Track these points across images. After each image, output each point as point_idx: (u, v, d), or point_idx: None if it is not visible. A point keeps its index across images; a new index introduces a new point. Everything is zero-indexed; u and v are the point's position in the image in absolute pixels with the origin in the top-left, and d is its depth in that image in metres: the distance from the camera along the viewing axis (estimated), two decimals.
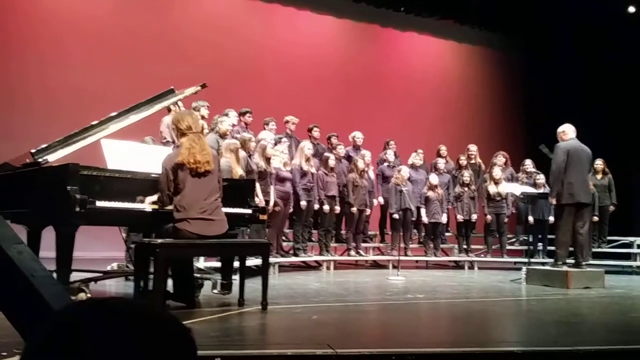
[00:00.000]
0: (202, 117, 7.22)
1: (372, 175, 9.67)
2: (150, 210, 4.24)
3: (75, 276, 4.65)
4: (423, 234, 9.88)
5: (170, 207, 4.19)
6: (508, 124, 13.90)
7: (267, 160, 7.63)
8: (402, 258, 8.59)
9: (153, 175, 4.30)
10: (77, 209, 3.75)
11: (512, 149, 11.39)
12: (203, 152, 4.20)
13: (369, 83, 12.56)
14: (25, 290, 1.45)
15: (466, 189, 9.77)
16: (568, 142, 7.11)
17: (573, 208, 7.01)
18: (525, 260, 8.51)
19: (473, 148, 10.52)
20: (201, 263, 6.61)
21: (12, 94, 9.38)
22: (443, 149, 10.45)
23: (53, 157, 4.13)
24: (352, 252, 9.24)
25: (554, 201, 7.18)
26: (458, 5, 13.25)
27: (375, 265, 9.87)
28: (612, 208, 10.01)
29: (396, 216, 9.21)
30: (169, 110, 6.83)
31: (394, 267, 8.52)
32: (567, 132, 7.21)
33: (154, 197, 4.24)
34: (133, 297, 4.16)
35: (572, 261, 7.25)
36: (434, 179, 9.67)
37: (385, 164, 9.87)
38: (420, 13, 13.32)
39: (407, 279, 7.40)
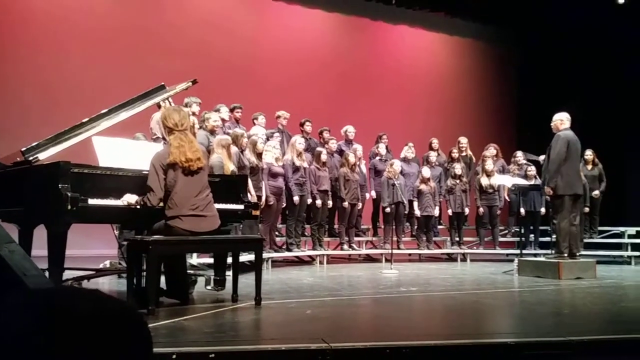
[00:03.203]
0: (194, 114, 7.21)
1: (364, 169, 9.68)
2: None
3: (67, 274, 4.64)
4: (415, 227, 9.92)
5: (160, 205, 4.17)
6: (499, 116, 13.95)
7: (259, 155, 7.63)
8: (395, 251, 8.61)
9: (145, 172, 4.27)
10: (69, 207, 3.73)
11: (503, 141, 11.44)
12: (192, 149, 4.18)
13: (360, 77, 12.56)
14: (17, 290, 1.44)
15: (458, 181, 9.81)
16: (567, 132, 7.10)
17: (571, 199, 7.04)
18: (517, 251, 8.55)
19: (463, 140, 10.58)
20: (194, 259, 6.61)
21: (7, 92, 9.35)
22: (435, 142, 10.48)
23: (44, 155, 4.11)
24: (345, 246, 9.27)
25: (551, 192, 7.12)
26: None
27: (369, 259, 9.89)
28: (596, 193, 9.98)
29: (388, 210, 9.23)
30: (159, 106, 6.81)
31: (387, 260, 8.55)
32: (565, 121, 7.20)
33: (132, 199, 4.09)
34: (126, 295, 4.16)
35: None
36: (426, 172, 9.69)
37: (378, 157, 9.89)
38: (411, 6, 13.33)
39: (400, 272, 7.43)
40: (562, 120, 7.21)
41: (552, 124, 7.29)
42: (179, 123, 4.23)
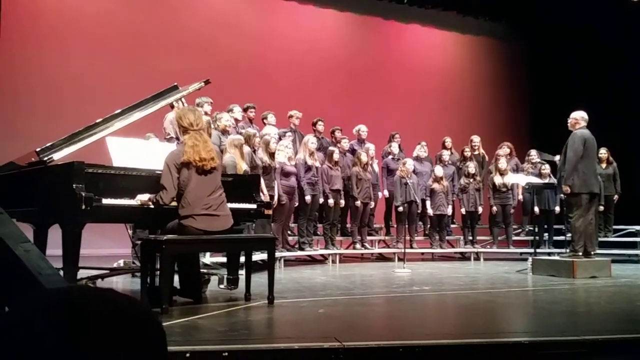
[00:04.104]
0: (206, 113, 7.23)
1: (376, 168, 9.67)
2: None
3: (82, 273, 4.67)
4: (428, 226, 9.89)
5: (173, 204, 4.19)
6: (512, 115, 13.87)
7: (271, 155, 7.64)
8: (407, 250, 8.59)
9: (158, 172, 4.30)
10: (83, 207, 3.76)
11: (516, 139, 11.37)
12: (207, 148, 4.20)
13: (373, 76, 12.54)
14: (32, 288, 1.46)
15: (471, 180, 9.76)
16: (583, 130, 7.08)
17: (587, 197, 7.01)
18: (531, 250, 8.50)
19: (476, 139, 10.53)
20: (207, 258, 6.63)
21: (15, 92, 9.42)
22: (448, 141, 10.45)
23: (58, 156, 4.14)
24: (358, 246, 9.26)
25: (568, 190, 7.07)
26: None
27: (381, 258, 9.87)
28: (616, 197, 10.00)
29: (401, 209, 9.21)
30: (172, 106, 6.83)
31: (400, 259, 8.53)
32: (580, 120, 7.16)
33: (145, 197, 4.13)
34: (140, 294, 4.18)
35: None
36: (439, 170, 9.66)
37: (390, 156, 9.87)
38: (423, 4, 13.29)
39: (413, 271, 7.41)
40: (576, 119, 7.19)
41: (569, 122, 7.27)
42: (194, 122, 4.26)
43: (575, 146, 6.98)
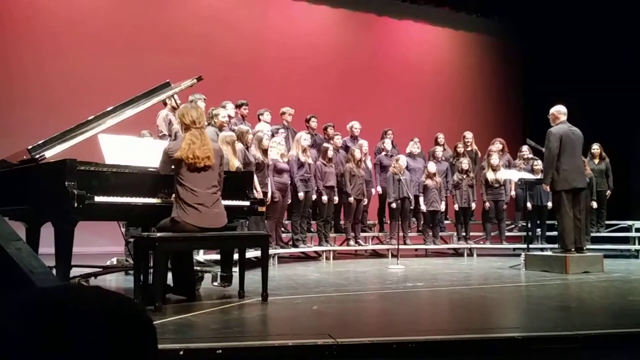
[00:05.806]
0: None
1: (370, 164, 9.67)
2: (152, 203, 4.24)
3: (75, 272, 4.65)
4: (422, 222, 9.90)
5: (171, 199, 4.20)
6: (505, 111, 13.90)
7: (264, 151, 7.63)
8: (401, 247, 8.61)
9: (151, 169, 4.29)
10: (76, 205, 3.74)
11: (509, 135, 11.39)
12: (203, 147, 4.19)
13: (366, 72, 12.54)
14: (24, 287, 1.45)
15: (464, 176, 9.77)
16: (559, 126, 7.04)
17: (570, 194, 7.01)
18: (524, 246, 8.54)
19: (469, 135, 10.55)
20: (201, 256, 6.62)
21: (10, 90, 9.36)
22: (441, 137, 10.45)
23: (50, 153, 4.12)
24: (352, 242, 9.26)
25: (547, 188, 7.13)
26: None
27: (375, 254, 9.89)
28: (609, 192, 10.04)
29: (394, 205, 9.22)
30: (164, 103, 6.82)
31: (393, 255, 8.54)
32: (557, 114, 7.14)
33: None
34: (133, 292, 4.17)
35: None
36: (432, 167, 9.67)
37: (383, 153, 9.87)
38: (416, 1, 13.29)
39: (407, 268, 7.42)
40: (558, 113, 7.17)
41: (549, 118, 7.26)
42: (196, 120, 4.27)
43: (550, 144, 6.96)
